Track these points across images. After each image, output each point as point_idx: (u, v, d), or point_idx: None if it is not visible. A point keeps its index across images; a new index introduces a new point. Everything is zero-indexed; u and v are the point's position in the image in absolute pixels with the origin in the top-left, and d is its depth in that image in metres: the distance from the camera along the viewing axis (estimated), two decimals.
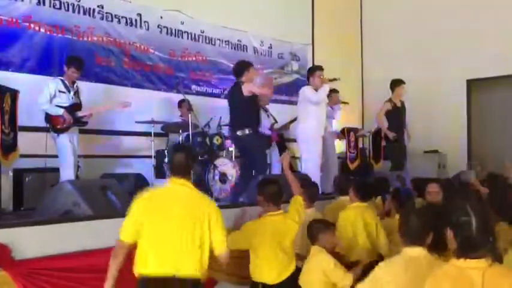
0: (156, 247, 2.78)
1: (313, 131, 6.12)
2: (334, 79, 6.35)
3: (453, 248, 2.08)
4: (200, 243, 2.83)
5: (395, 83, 7.40)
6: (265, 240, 3.58)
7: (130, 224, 2.83)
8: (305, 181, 4.66)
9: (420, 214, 2.69)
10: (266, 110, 7.55)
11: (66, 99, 5.32)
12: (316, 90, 6.16)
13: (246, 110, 5.45)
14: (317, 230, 3.52)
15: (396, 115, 7.33)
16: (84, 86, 5.71)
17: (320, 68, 6.34)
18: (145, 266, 2.78)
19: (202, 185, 5.98)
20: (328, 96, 7.38)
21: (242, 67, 5.57)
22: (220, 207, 4.83)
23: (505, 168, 5.43)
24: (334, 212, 4.43)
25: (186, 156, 3.01)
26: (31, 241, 3.21)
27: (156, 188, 3.06)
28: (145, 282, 2.77)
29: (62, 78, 5.38)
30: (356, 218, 4.06)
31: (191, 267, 2.79)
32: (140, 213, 2.84)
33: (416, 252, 2.57)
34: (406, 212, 2.79)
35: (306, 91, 6.23)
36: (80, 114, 5.39)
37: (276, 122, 7.67)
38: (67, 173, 5.13)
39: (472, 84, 9.09)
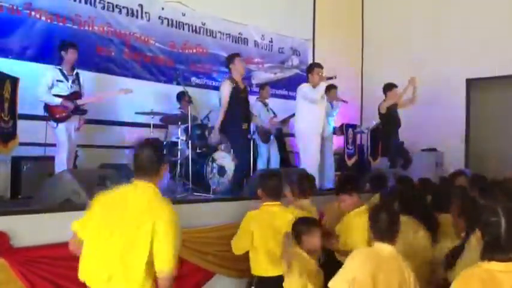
0: (94, 253, 2.50)
1: (311, 128, 6.11)
2: (331, 77, 6.34)
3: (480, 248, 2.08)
4: (144, 257, 2.40)
5: (388, 88, 7.44)
6: (261, 231, 3.58)
7: (86, 218, 2.59)
8: (298, 174, 4.67)
9: (390, 212, 2.78)
10: (266, 105, 7.57)
11: (64, 88, 5.29)
12: (314, 87, 6.15)
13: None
14: (300, 232, 3.36)
15: (393, 116, 7.43)
16: (83, 75, 5.69)
17: (319, 65, 6.31)
18: (82, 271, 2.52)
19: (201, 178, 5.99)
20: (327, 92, 7.40)
21: (227, 60, 5.66)
22: (218, 200, 4.93)
23: None
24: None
25: (152, 153, 2.60)
26: (30, 229, 3.21)
27: (117, 188, 2.64)
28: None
29: (59, 67, 5.34)
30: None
31: (126, 283, 2.42)
32: (94, 213, 2.57)
33: (384, 248, 2.66)
34: (376, 209, 2.87)
35: (303, 89, 6.21)
36: (79, 102, 5.37)
37: (275, 116, 7.68)
38: (61, 163, 5.11)
39: (472, 84, 9.11)
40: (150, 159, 2.58)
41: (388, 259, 2.66)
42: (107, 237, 2.48)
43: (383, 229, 2.70)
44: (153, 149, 2.62)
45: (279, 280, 3.41)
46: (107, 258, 2.45)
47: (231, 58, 5.61)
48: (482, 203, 2.25)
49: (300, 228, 3.37)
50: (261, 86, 7.88)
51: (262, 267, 3.59)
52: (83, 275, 2.52)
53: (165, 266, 2.41)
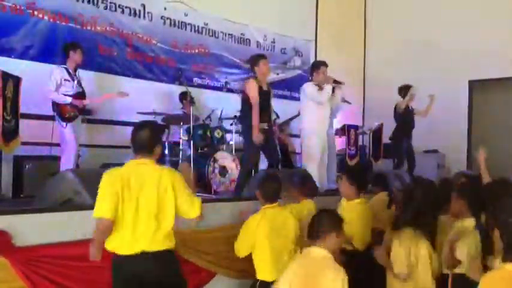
0: (128, 225, 2.79)
1: (316, 127, 6.03)
2: (340, 82, 6.24)
3: (499, 248, 2.06)
4: (166, 215, 2.85)
5: (404, 89, 7.50)
6: (264, 234, 3.56)
7: (109, 198, 2.76)
8: (300, 177, 4.66)
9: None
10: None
11: (70, 88, 5.30)
12: (318, 86, 6.05)
13: (245, 107, 5.38)
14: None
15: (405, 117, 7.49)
16: (86, 75, 5.70)
17: (325, 64, 6.14)
18: (118, 245, 2.81)
19: (202, 178, 6.00)
20: (333, 93, 7.36)
21: (252, 61, 5.47)
22: (220, 200, 4.93)
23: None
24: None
25: (149, 133, 2.93)
26: (32, 228, 3.20)
27: (121, 167, 2.93)
28: (119, 261, 2.82)
29: (65, 66, 5.35)
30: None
31: (160, 242, 2.82)
32: (116, 187, 2.78)
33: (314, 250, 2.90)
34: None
35: (308, 89, 6.02)
36: (84, 102, 5.38)
37: (278, 117, 7.68)
38: (67, 162, 5.13)
39: (474, 85, 9.10)
40: (148, 138, 2.92)
41: (318, 261, 2.85)
42: (134, 208, 2.79)
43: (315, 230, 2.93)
44: (150, 130, 2.96)
45: None
46: (139, 226, 2.78)
47: (255, 61, 5.43)
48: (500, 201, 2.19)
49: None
50: None
51: (266, 270, 3.57)
52: (112, 245, 2.81)
53: (196, 209, 2.94)
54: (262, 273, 3.58)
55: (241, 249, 3.69)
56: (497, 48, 8.51)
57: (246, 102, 5.33)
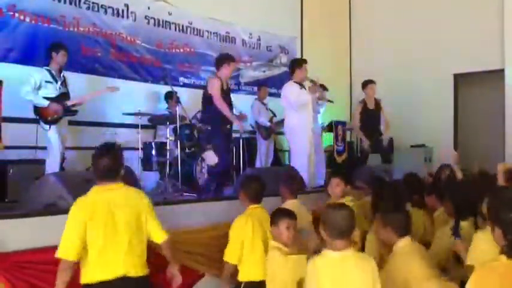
0: (103, 255, 2.78)
1: (302, 124, 6.03)
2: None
3: (501, 245, 2.00)
4: (142, 239, 2.93)
5: (364, 84, 7.48)
6: (253, 232, 3.53)
7: (75, 240, 2.75)
8: (286, 174, 4.65)
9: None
10: (265, 104, 7.63)
11: (53, 90, 5.22)
12: (300, 84, 6.10)
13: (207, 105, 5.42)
14: (271, 224, 3.40)
15: (368, 117, 7.39)
16: (70, 77, 5.63)
17: (306, 62, 6.29)
18: (93, 275, 2.78)
19: (190, 177, 5.96)
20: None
21: (222, 60, 5.52)
22: (208, 200, 4.90)
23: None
24: None
25: (113, 159, 2.91)
26: (15, 234, 3.16)
27: (89, 195, 2.88)
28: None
29: (48, 68, 5.27)
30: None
31: (140, 267, 2.88)
32: (83, 226, 2.76)
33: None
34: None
35: (292, 93, 6.03)
36: (69, 103, 5.30)
37: (275, 115, 7.69)
38: (53, 165, 5.07)
39: (459, 79, 9.15)
40: (114, 165, 2.91)
41: None
42: (112, 235, 2.79)
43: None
44: (115, 156, 2.94)
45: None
46: (118, 253, 2.79)
47: (226, 60, 5.49)
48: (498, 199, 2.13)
49: (271, 219, 3.41)
50: (259, 86, 8.05)
51: (253, 271, 3.53)
52: (91, 277, 2.78)
53: (163, 233, 3.02)
54: (248, 274, 3.52)
55: (233, 254, 3.57)
56: (481, 41, 8.56)
57: (208, 100, 5.35)
